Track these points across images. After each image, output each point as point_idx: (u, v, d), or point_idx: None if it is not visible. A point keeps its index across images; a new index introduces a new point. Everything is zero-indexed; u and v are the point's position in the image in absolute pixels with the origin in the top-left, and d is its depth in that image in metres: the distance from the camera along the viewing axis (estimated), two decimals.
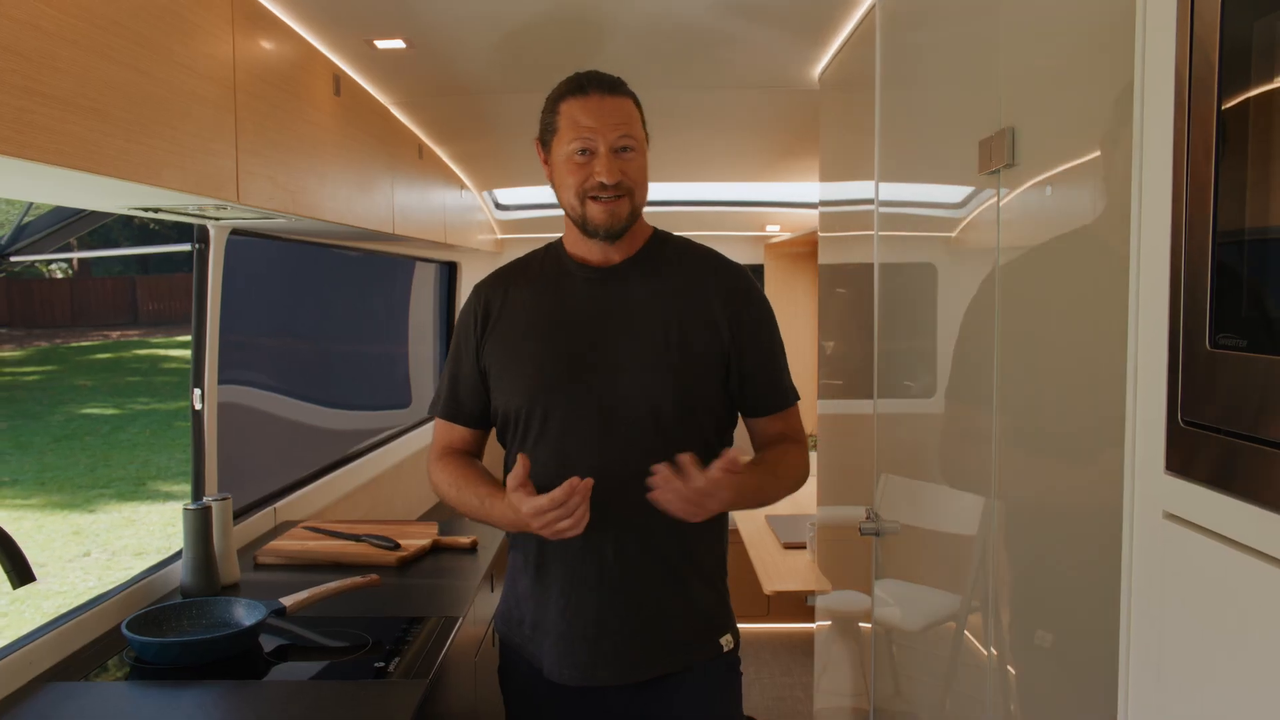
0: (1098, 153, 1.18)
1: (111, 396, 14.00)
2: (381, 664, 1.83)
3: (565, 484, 1.54)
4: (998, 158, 1.37)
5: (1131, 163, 0.97)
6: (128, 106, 1.44)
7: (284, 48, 2.08)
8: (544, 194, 4.89)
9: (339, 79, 2.41)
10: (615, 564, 1.70)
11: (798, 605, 4.67)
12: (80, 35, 1.32)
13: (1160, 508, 0.95)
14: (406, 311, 4.84)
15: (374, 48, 2.34)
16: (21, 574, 1.33)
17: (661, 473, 1.54)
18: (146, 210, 1.90)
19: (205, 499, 2.30)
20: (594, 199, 1.69)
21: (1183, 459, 0.91)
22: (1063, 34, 1.26)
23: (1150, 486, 0.97)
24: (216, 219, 2.20)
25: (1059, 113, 1.26)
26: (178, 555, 2.28)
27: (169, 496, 9.33)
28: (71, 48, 1.30)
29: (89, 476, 9.98)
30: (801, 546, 3.48)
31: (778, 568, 3.30)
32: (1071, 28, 1.24)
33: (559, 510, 1.55)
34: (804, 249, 4.98)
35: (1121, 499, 1.13)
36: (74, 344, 18.88)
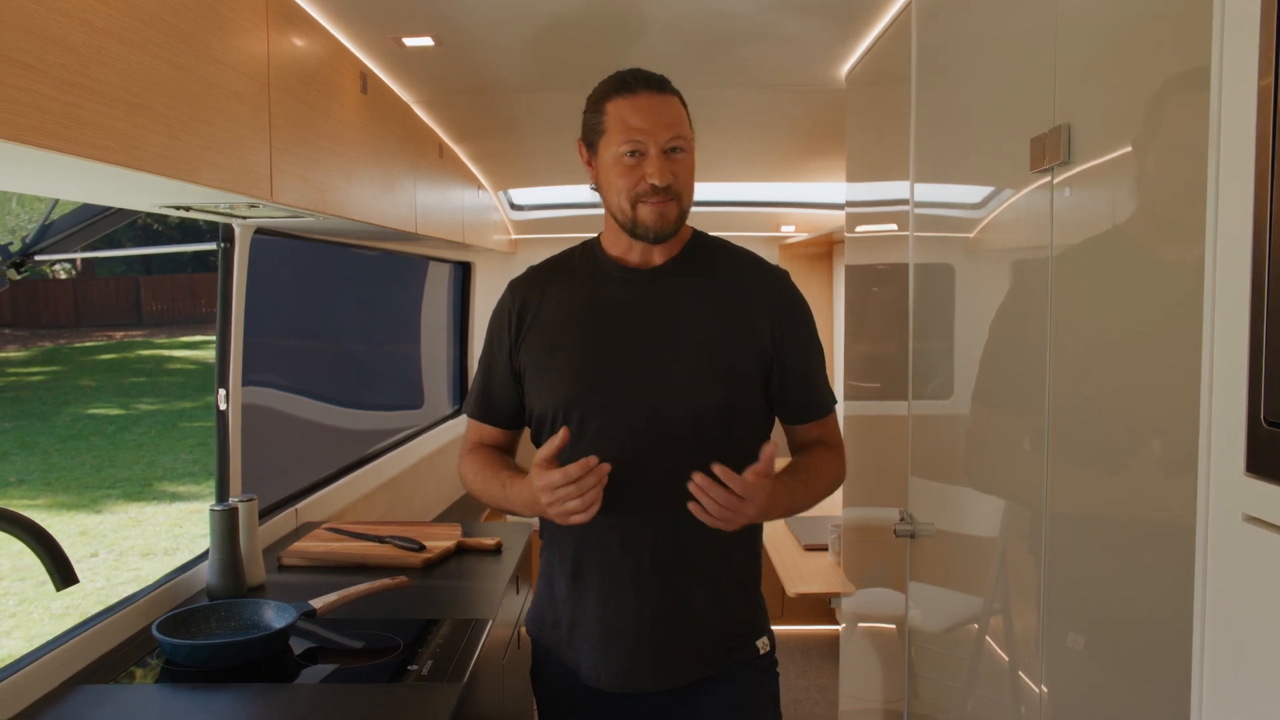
0: (1163, 146, 1.16)
1: (116, 397, 13.99)
2: (415, 667, 1.81)
3: (581, 461, 1.53)
4: (1051, 155, 1.35)
5: (1208, 151, 0.94)
6: (167, 102, 1.43)
7: (315, 45, 2.07)
8: (559, 194, 4.88)
9: (366, 77, 2.40)
10: (652, 568, 1.68)
11: (813, 607, 4.66)
12: (125, 30, 1.30)
13: (1240, 510, 0.93)
14: (419, 312, 4.83)
15: (402, 46, 2.33)
16: (65, 576, 1.31)
17: (698, 482, 1.53)
18: (178, 208, 1.89)
19: (231, 500, 2.28)
20: (644, 201, 1.65)
21: (1265, 460, 0.89)
22: (1125, 20, 1.24)
23: (1229, 489, 0.95)
24: (243, 218, 2.18)
25: (1119, 106, 1.24)
26: (203, 556, 2.27)
27: (175, 497, 9.32)
28: (117, 42, 1.28)
29: (95, 477, 9.96)
30: (823, 548, 3.46)
31: (799, 570, 3.28)
32: (1134, 14, 1.22)
33: (570, 487, 1.53)
34: (819, 249, 4.97)
35: (1182, 500, 1.11)
36: (78, 344, 18.87)
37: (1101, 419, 1.29)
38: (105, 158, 1.25)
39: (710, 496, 1.53)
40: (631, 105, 1.64)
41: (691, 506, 1.55)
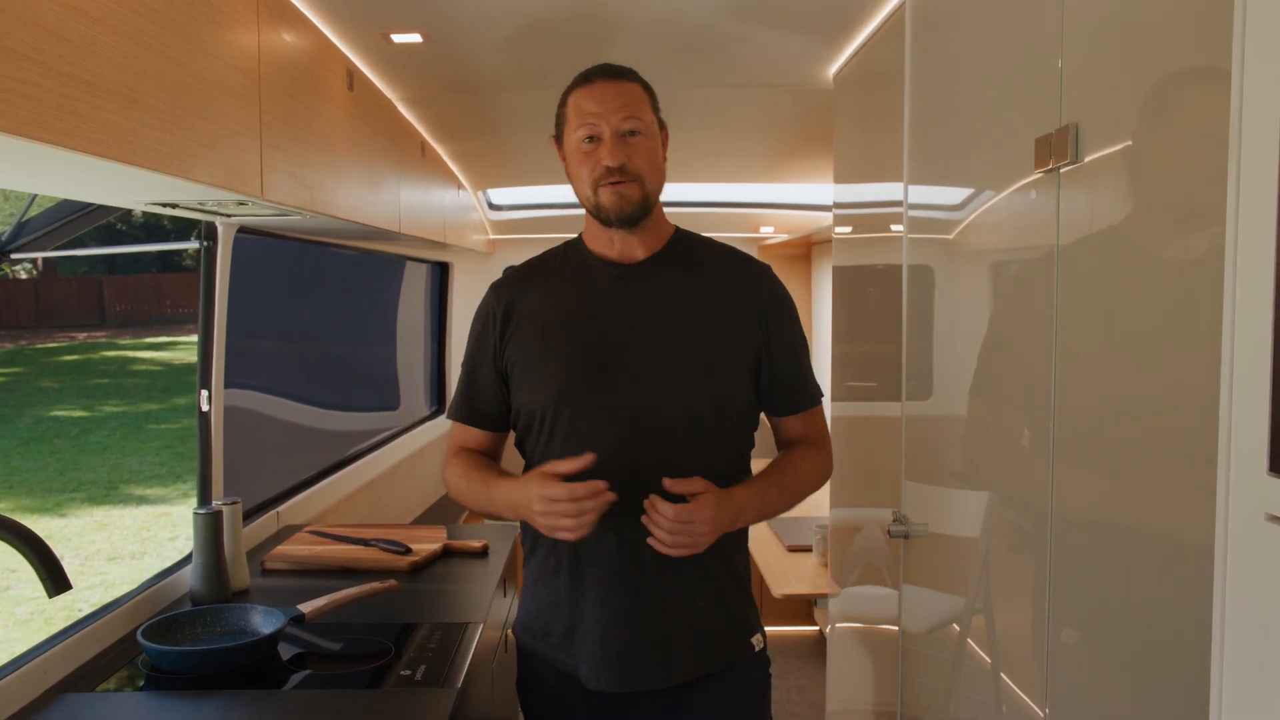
0: (1176, 143, 1.16)
1: (80, 399, 13.76)
2: (408, 672, 1.78)
3: (590, 484, 1.53)
4: (1058, 155, 1.35)
5: (1228, 147, 0.94)
6: (161, 96, 1.39)
7: (303, 40, 2.04)
8: (537, 194, 4.86)
9: (352, 74, 2.37)
10: (652, 566, 1.67)
11: (792, 608, 4.66)
12: (120, 21, 1.27)
13: (1262, 510, 0.93)
14: (396, 312, 4.78)
15: (390, 42, 2.30)
16: (58, 582, 1.27)
17: (649, 514, 1.58)
18: (164, 206, 1.84)
19: (215, 503, 2.24)
20: (603, 185, 1.66)
21: None
22: (1134, 18, 1.24)
23: (1250, 488, 0.95)
24: (228, 216, 2.14)
25: (1129, 105, 1.24)
26: (185, 561, 2.23)
27: (142, 500, 9.18)
28: (112, 33, 1.25)
29: (59, 480, 9.79)
30: (806, 550, 3.46)
31: (784, 571, 3.28)
32: (1144, 11, 1.22)
33: (570, 505, 1.54)
34: (798, 250, 4.98)
35: (1195, 502, 1.11)
36: (39, 345, 18.55)
37: (1109, 419, 1.29)
38: (101, 152, 1.22)
39: (659, 526, 1.57)
40: (587, 93, 1.68)
41: (650, 540, 1.59)
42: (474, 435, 1.83)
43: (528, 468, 1.77)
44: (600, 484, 1.54)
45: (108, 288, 21.28)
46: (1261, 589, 0.93)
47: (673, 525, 1.56)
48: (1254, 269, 0.93)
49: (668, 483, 1.58)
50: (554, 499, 1.54)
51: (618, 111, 1.65)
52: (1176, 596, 1.15)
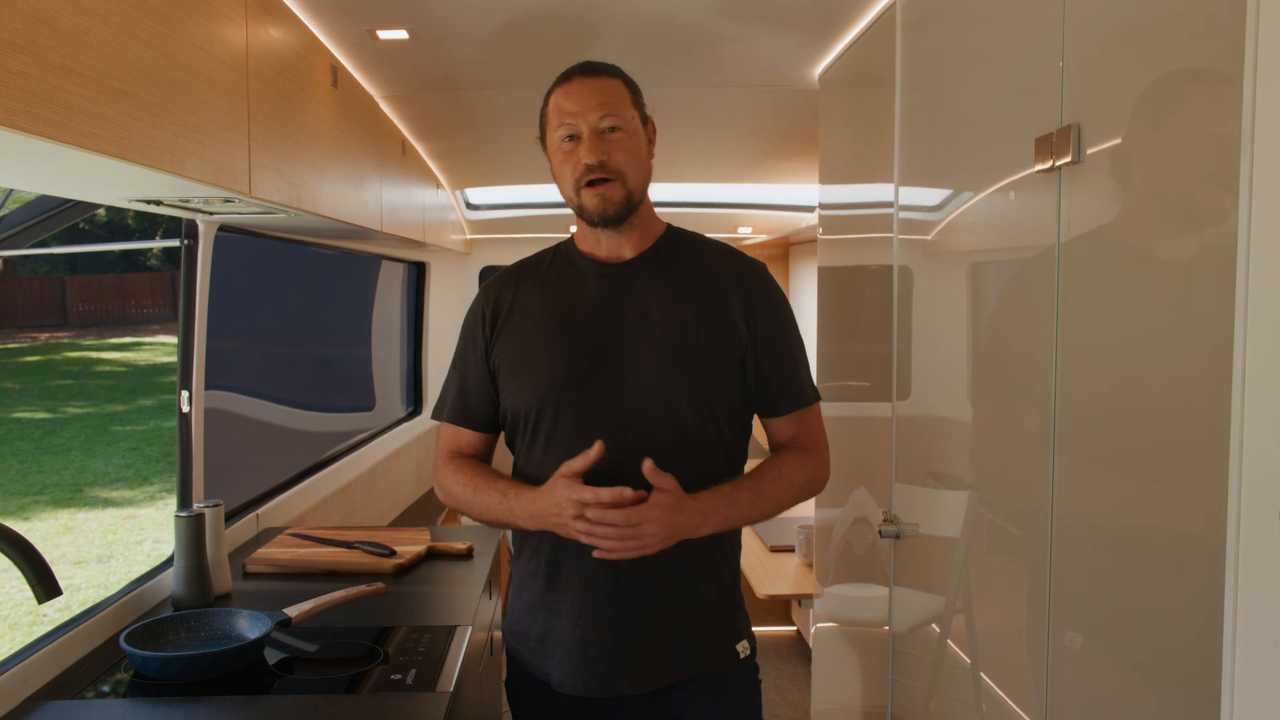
0: (1180, 141, 1.16)
1: (43, 400, 13.53)
2: (398, 676, 1.75)
3: (618, 490, 1.52)
4: (1059, 154, 1.35)
5: (1240, 142, 0.95)
6: (152, 90, 1.36)
7: (290, 35, 2.01)
8: (515, 194, 4.84)
9: (336, 70, 2.34)
10: (631, 571, 1.65)
11: (769, 609, 4.66)
12: (112, 12, 1.24)
13: (1275, 507, 0.93)
14: (371, 312, 4.73)
15: (375, 38, 2.27)
16: (48, 588, 1.24)
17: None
18: (148, 203, 1.81)
19: (196, 506, 2.19)
20: (587, 185, 1.64)
21: None
22: (1138, 17, 1.24)
23: (1265, 484, 0.95)
24: (210, 214, 2.10)
25: (1132, 105, 1.24)
26: (167, 564, 2.19)
27: (108, 503, 9.03)
28: (104, 24, 1.22)
29: (22, 483, 9.61)
30: (789, 550, 3.46)
31: (766, 571, 3.28)
32: (1148, 9, 1.22)
33: (601, 512, 1.52)
34: (777, 251, 4.99)
35: (1202, 499, 1.12)
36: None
37: (1112, 419, 1.29)
38: (94, 146, 1.19)
39: (602, 527, 1.54)
40: (566, 92, 1.67)
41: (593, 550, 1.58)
42: (466, 437, 1.80)
43: (516, 465, 1.76)
44: (627, 491, 1.53)
45: (70, 287, 20.93)
46: (1275, 586, 0.94)
47: (620, 531, 1.54)
48: (1267, 264, 0.94)
49: (646, 467, 1.55)
50: (585, 503, 1.54)
51: (596, 109, 1.63)
52: (1182, 599, 1.16)
